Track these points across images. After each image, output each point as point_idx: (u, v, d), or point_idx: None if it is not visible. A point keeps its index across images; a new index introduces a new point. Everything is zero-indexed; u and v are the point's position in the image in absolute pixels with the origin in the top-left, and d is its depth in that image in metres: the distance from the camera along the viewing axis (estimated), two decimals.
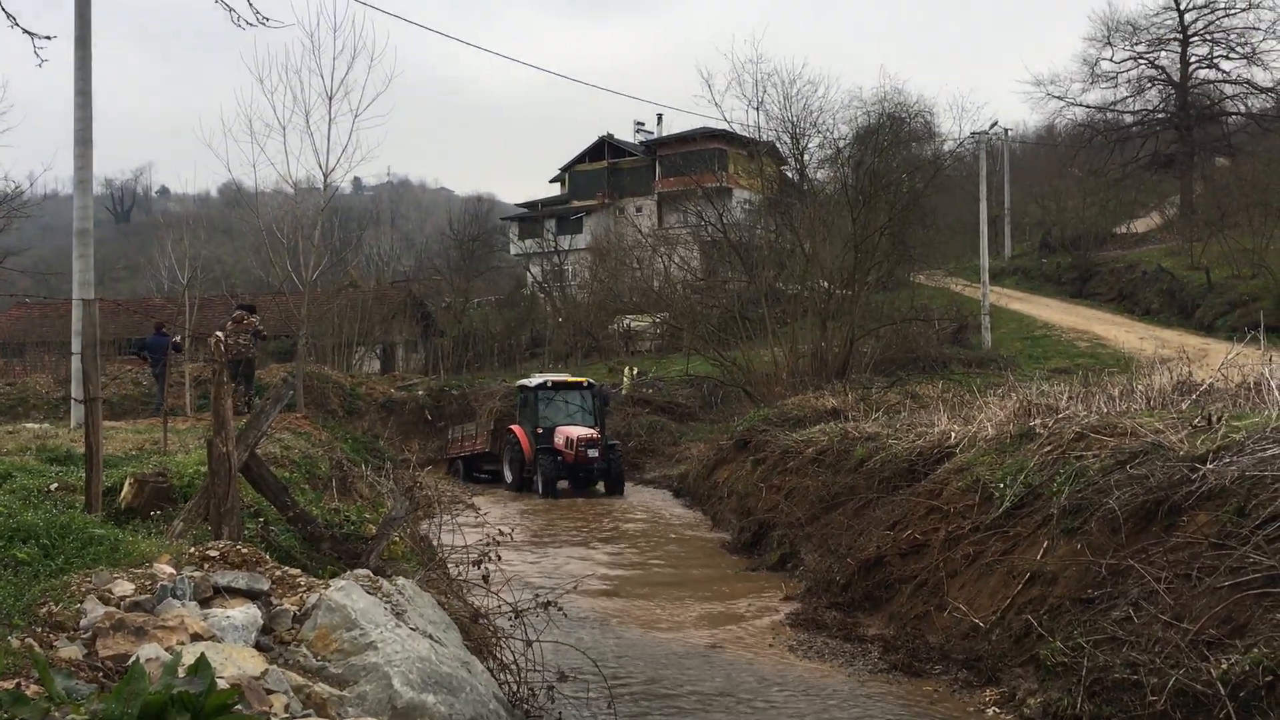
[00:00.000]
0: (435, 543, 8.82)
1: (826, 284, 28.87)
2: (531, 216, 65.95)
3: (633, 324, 44.76)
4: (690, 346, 32.74)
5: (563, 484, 24.38)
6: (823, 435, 15.81)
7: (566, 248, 57.18)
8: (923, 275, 41.08)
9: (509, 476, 25.87)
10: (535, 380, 26.57)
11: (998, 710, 7.48)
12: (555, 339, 47.21)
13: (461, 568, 7.96)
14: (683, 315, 33.67)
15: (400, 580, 6.01)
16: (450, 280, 55.26)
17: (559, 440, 24.65)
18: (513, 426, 26.36)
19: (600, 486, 24.78)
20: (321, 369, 32.76)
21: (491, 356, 46.11)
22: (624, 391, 32.81)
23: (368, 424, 29.50)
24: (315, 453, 12.71)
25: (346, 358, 38.92)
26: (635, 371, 35.46)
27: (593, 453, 24.14)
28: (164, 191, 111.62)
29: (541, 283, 55.31)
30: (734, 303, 32.77)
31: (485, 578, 7.59)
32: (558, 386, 26.27)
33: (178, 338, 21.20)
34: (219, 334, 7.18)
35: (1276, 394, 9.50)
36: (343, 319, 39.22)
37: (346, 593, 4.97)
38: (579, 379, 27.70)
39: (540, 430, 25.15)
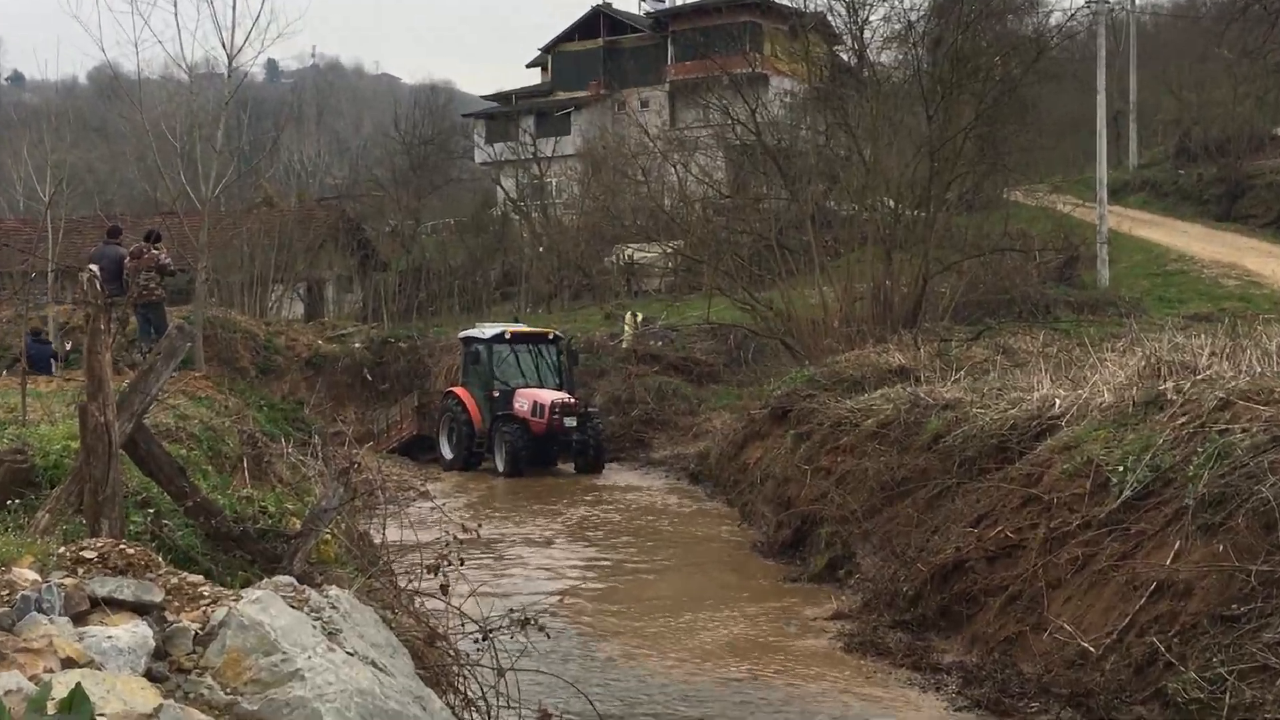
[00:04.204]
0: (379, 542, 9.01)
1: (893, 203, 28.76)
2: (503, 113, 65.66)
3: (637, 255, 44.77)
4: (712, 285, 32.74)
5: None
6: (886, 402, 15.86)
7: (549, 154, 56.97)
8: (1020, 192, 40.85)
9: (448, 452, 26.73)
10: (488, 331, 27.28)
11: None
12: (534, 275, 47.20)
13: (413, 574, 8.07)
14: (703, 244, 33.55)
15: (334, 591, 6.00)
16: (396, 197, 55.17)
17: (522, 405, 25.38)
18: (454, 389, 27.06)
19: (570, 465, 25.46)
20: (227, 314, 32.88)
21: (450, 298, 46.23)
22: (625, 344, 33.13)
23: (289, 386, 29.82)
24: (221, 424, 12.76)
25: (260, 299, 39.00)
26: (640, 318, 35.59)
27: (569, 421, 24.81)
28: (16, 79, 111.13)
29: (516, 201, 55.20)
30: (770, 227, 32.67)
31: (444, 587, 7.66)
32: (517, 339, 27.02)
33: (68, 346, 21.63)
34: (91, 268, 7.18)
35: None
36: (255, 248, 39.23)
37: (264, 606, 5.00)
38: (543, 330, 28.42)
39: (496, 394, 25.84)
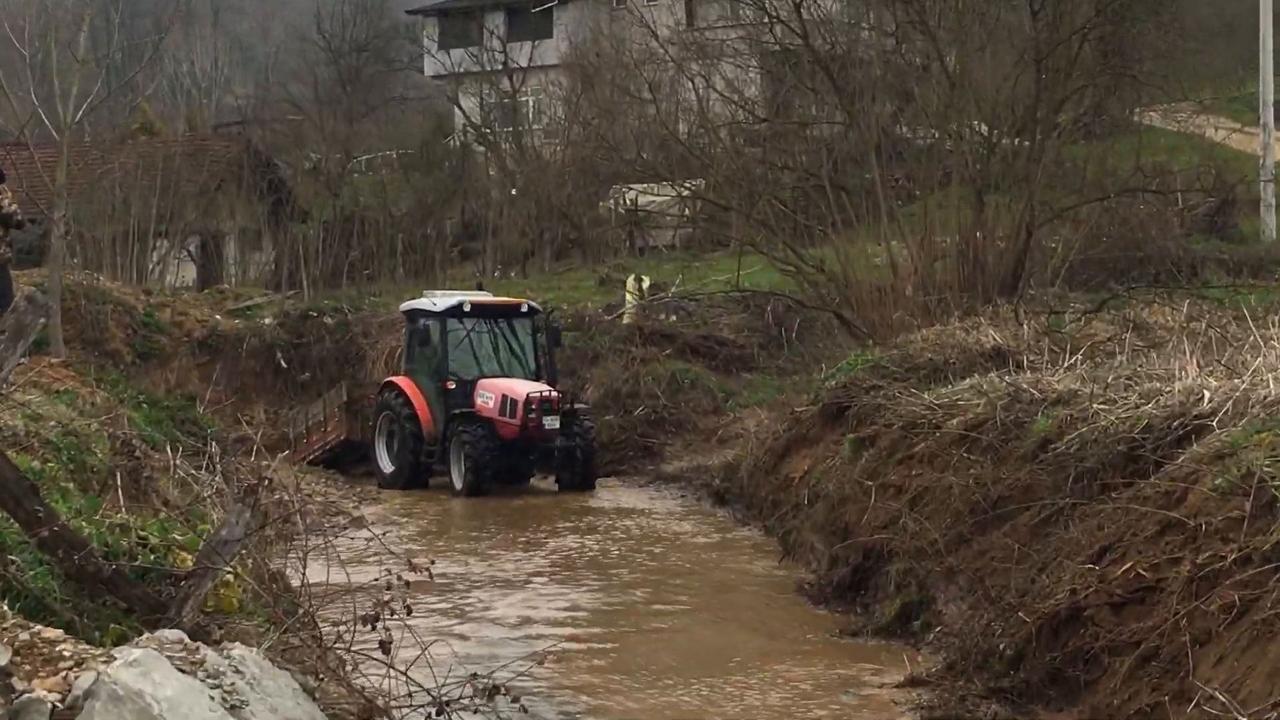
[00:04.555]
0: (298, 584, 9.10)
1: (986, 128, 28.65)
2: (462, 9, 65.46)
3: (642, 200, 44.69)
4: (744, 239, 32.51)
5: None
6: (977, 396, 15.72)
7: (525, 64, 56.84)
8: (1156, 113, 40.71)
9: (387, 464, 26.99)
10: (442, 301, 27.26)
11: None
12: (505, 227, 47.02)
13: (345, 627, 8.12)
14: (731, 184, 33.33)
15: (238, 650, 6.11)
16: (319, 123, 55.12)
17: (486, 401, 25.58)
18: (395, 379, 27.23)
19: (551, 481, 25.77)
20: (95, 280, 32.83)
21: (393, 257, 46.17)
22: (626, 319, 33.14)
23: (177, 376, 30.04)
24: (86, 427, 12.70)
25: (138, 260, 38.98)
26: (646, 284, 35.44)
27: (550, 422, 24.89)
28: None
29: (480, 127, 55.10)
30: (821, 162, 32.55)
31: (385, 645, 7.76)
32: (481, 312, 27.15)
33: None
34: None
35: None
36: (130, 191, 39.19)
37: (144, 671, 5.04)
38: (515, 300, 28.49)
39: (452, 385, 25.92)
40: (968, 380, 16.94)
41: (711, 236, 40.42)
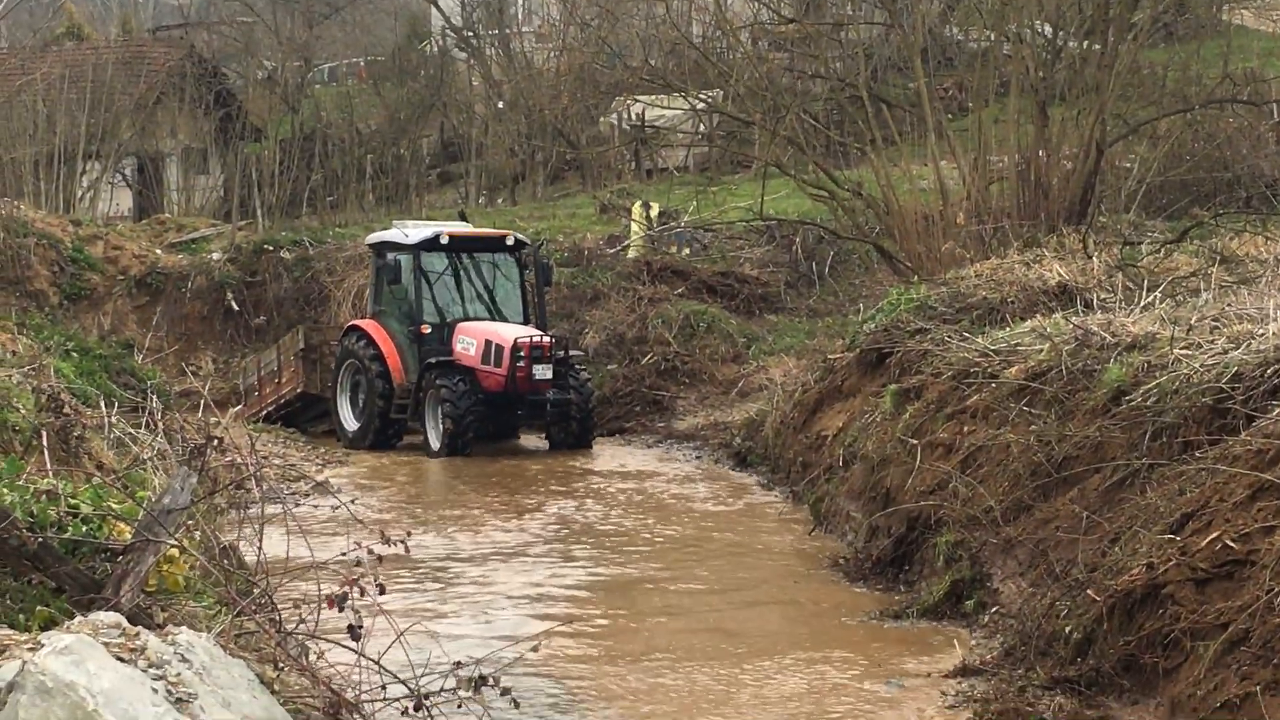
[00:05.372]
0: (253, 560, 9.13)
1: (1049, 28, 28.51)
2: None
3: (650, 115, 44.54)
4: (769, 159, 32.25)
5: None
6: (1039, 341, 15.72)
7: None
8: (1248, 10, 40.47)
9: (351, 421, 27.21)
10: (415, 233, 27.31)
11: None
12: (491, 146, 46.98)
13: (308, 609, 8.15)
14: (754, 95, 33.22)
15: (184, 636, 6.13)
16: (274, 25, 54.82)
17: (467, 348, 25.77)
18: (361, 323, 27.31)
19: (542, 439, 25.96)
20: (15, 209, 32.76)
21: (360, 182, 46.05)
22: (632, 253, 33.24)
23: (111, 321, 30.12)
24: (5, 380, 12.72)
25: (65, 186, 38.99)
26: (655, 212, 35.52)
27: (541, 372, 25.00)
28: None
29: (461, 30, 54.85)
30: (858, 69, 32.40)
31: (355, 629, 7.74)
32: (461, 246, 27.29)
33: None
34: None
35: None
36: (55, 106, 39.04)
37: (76, 660, 5.04)
38: (500, 231, 28.62)
39: (427, 330, 26.18)
40: (1028, 322, 16.89)
41: (730, 156, 40.30)
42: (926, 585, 14.31)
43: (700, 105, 37.97)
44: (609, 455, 25.56)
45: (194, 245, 34.46)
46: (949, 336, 17.67)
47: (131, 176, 44.52)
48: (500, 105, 49.07)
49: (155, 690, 5.30)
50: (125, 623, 6.00)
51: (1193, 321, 14.39)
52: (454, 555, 17.04)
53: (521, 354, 24.88)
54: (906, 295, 20.91)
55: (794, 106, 31.36)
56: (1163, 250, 22.12)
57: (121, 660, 5.34)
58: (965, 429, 15.72)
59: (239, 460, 10.57)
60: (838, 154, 30.43)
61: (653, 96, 43.29)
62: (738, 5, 40.55)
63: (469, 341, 25.74)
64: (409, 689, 7.46)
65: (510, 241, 27.73)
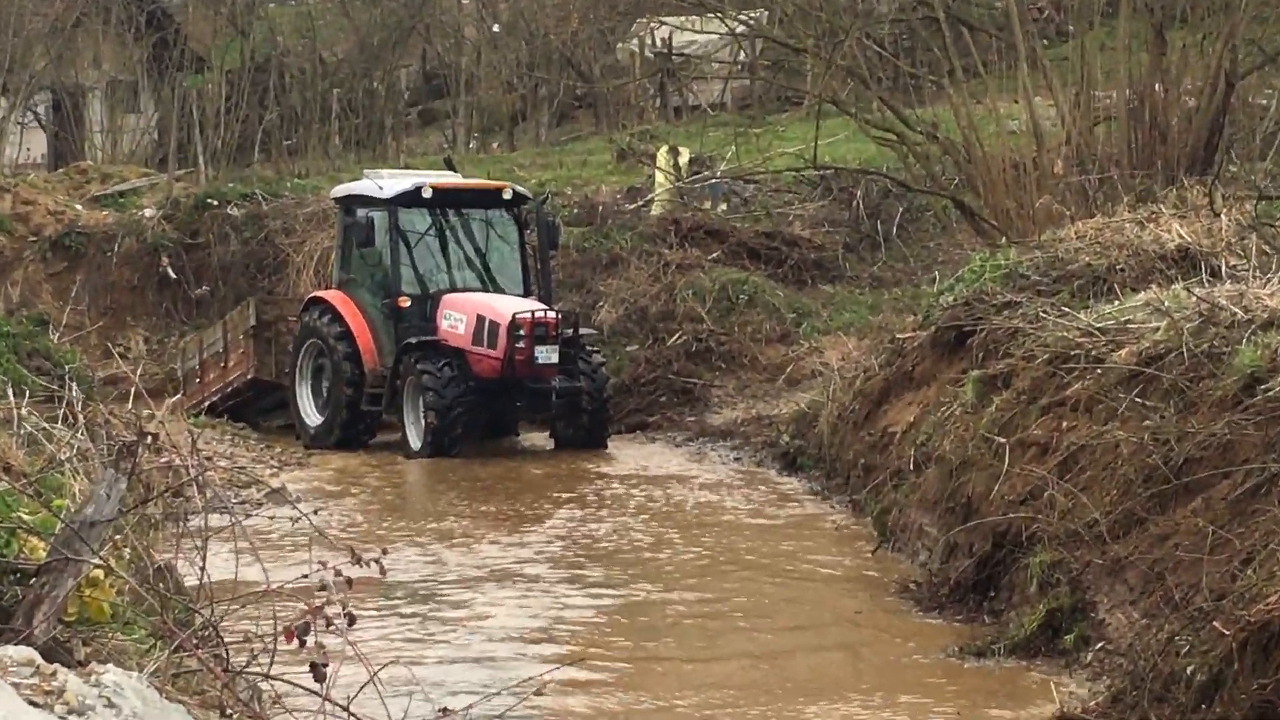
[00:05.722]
0: (195, 583, 8.91)
1: None
2: None
3: (678, 40, 44.13)
4: (823, 94, 32.10)
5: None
6: (1155, 317, 15.62)
7: None
8: None
9: (313, 414, 26.81)
10: (390, 185, 26.78)
11: None
12: (485, 78, 47.12)
13: (260, 643, 8.15)
14: (805, 16, 32.99)
15: (111, 675, 6.28)
16: None
17: (454, 326, 25.43)
18: (324, 295, 27.09)
19: (546, 436, 26.25)
20: None
21: (325, 122, 46.00)
22: (657, 210, 33.13)
23: (21, 291, 30.52)
24: None
25: None
26: (685, 159, 35.22)
27: (545, 354, 24.42)
28: None
29: None
30: None
31: (317, 667, 7.58)
32: (446, 200, 26.91)
33: None
34: None
35: None
36: None
37: None
38: (495, 183, 28.54)
39: (405, 302, 25.80)
40: (1142, 294, 16.84)
41: (777, 92, 40.49)
42: (1016, 616, 14.30)
43: (740, 28, 37.68)
44: (627, 456, 25.28)
45: (122, 199, 34.90)
46: (1044, 312, 17.57)
47: (45, 115, 45.08)
48: (495, 28, 49.35)
49: None
50: (39, 659, 6.15)
51: None
52: (438, 577, 17.13)
53: (521, 332, 24.41)
54: (992, 261, 20.94)
55: (855, 29, 31.11)
56: None
57: (34, 705, 5.58)
58: (1064, 425, 15.72)
59: (177, 462, 10.11)
60: (908, 88, 30.96)
61: (682, 18, 43.13)
62: None
63: (457, 317, 25.34)
64: None
65: (507, 195, 27.11)
